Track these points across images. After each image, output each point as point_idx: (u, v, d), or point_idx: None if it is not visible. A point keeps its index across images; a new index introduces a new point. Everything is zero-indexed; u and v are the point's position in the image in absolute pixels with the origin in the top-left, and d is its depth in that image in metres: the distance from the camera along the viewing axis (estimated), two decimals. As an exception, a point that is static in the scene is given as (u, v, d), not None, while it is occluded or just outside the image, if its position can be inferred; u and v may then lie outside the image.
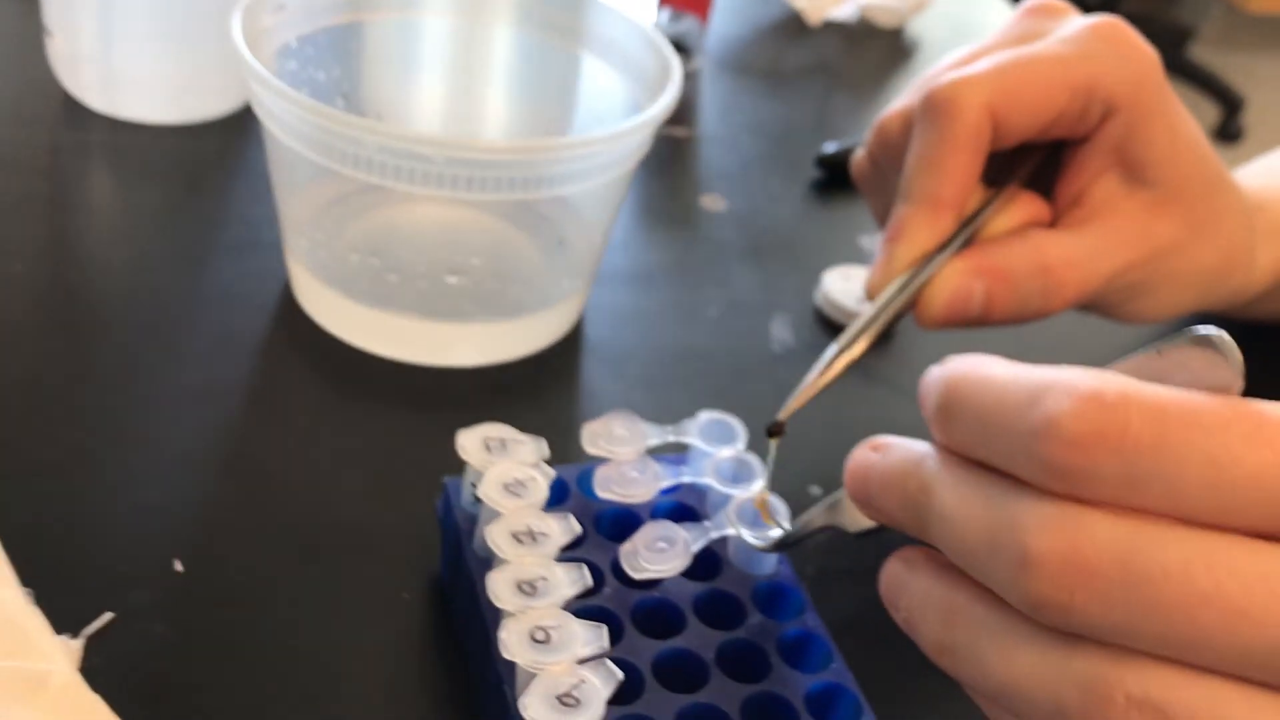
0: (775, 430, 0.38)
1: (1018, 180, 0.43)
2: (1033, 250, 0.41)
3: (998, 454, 0.24)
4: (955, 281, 0.40)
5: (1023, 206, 0.43)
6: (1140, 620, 0.21)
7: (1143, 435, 0.21)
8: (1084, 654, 0.22)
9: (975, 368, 0.25)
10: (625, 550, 0.36)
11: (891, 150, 0.43)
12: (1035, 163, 0.43)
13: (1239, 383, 0.23)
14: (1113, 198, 0.42)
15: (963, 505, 0.25)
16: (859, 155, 0.46)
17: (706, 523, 0.37)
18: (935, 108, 0.39)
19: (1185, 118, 0.43)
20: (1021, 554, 0.22)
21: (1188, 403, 0.22)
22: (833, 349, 0.40)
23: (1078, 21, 0.42)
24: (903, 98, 0.44)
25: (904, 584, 0.27)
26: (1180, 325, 0.61)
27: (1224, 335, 0.23)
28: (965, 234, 0.41)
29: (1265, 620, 0.20)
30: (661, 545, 0.36)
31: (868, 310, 0.41)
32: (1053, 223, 0.44)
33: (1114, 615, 0.21)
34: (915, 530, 0.27)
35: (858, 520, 0.31)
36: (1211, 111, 2.86)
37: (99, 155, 0.59)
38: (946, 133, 0.39)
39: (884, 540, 0.45)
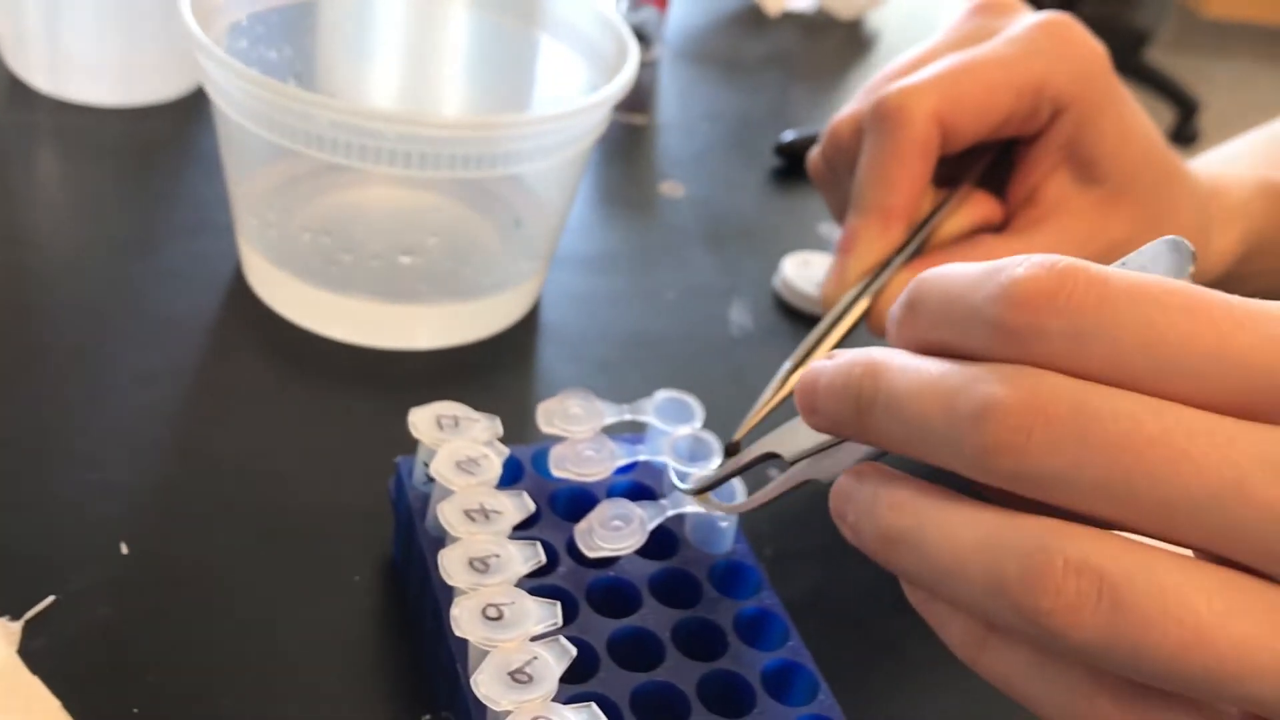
0: (731, 450, 0.38)
1: (970, 181, 0.43)
2: (983, 257, 0.41)
3: (956, 329, 0.24)
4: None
5: (975, 207, 0.43)
6: (1090, 462, 0.22)
7: (1087, 296, 0.22)
8: (1025, 523, 0.23)
9: (940, 268, 0.26)
10: (580, 529, 0.35)
11: (844, 154, 0.44)
12: (986, 163, 0.44)
13: (1190, 271, 0.24)
14: (1065, 195, 0.43)
15: (915, 378, 0.25)
16: (814, 155, 0.47)
17: (663, 501, 0.37)
18: (884, 117, 0.40)
19: (1135, 112, 0.44)
20: (981, 403, 0.23)
21: (1134, 276, 0.23)
22: (787, 365, 0.40)
23: (1025, 20, 0.42)
24: (854, 102, 0.44)
25: (851, 493, 0.27)
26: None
27: (1185, 240, 0.24)
28: (918, 239, 0.42)
29: (1205, 465, 0.21)
30: (617, 524, 0.35)
31: (822, 323, 0.41)
32: (1007, 222, 0.44)
33: (1066, 457, 0.22)
34: (860, 428, 0.27)
35: (824, 467, 0.30)
36: (1167, 114, 2.90)
37: (46, 137, 0.58)
38: (895, 142, 0.40)
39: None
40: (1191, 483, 0.21)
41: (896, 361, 0.26)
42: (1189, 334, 0.22)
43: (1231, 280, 0.52)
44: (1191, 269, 0.24)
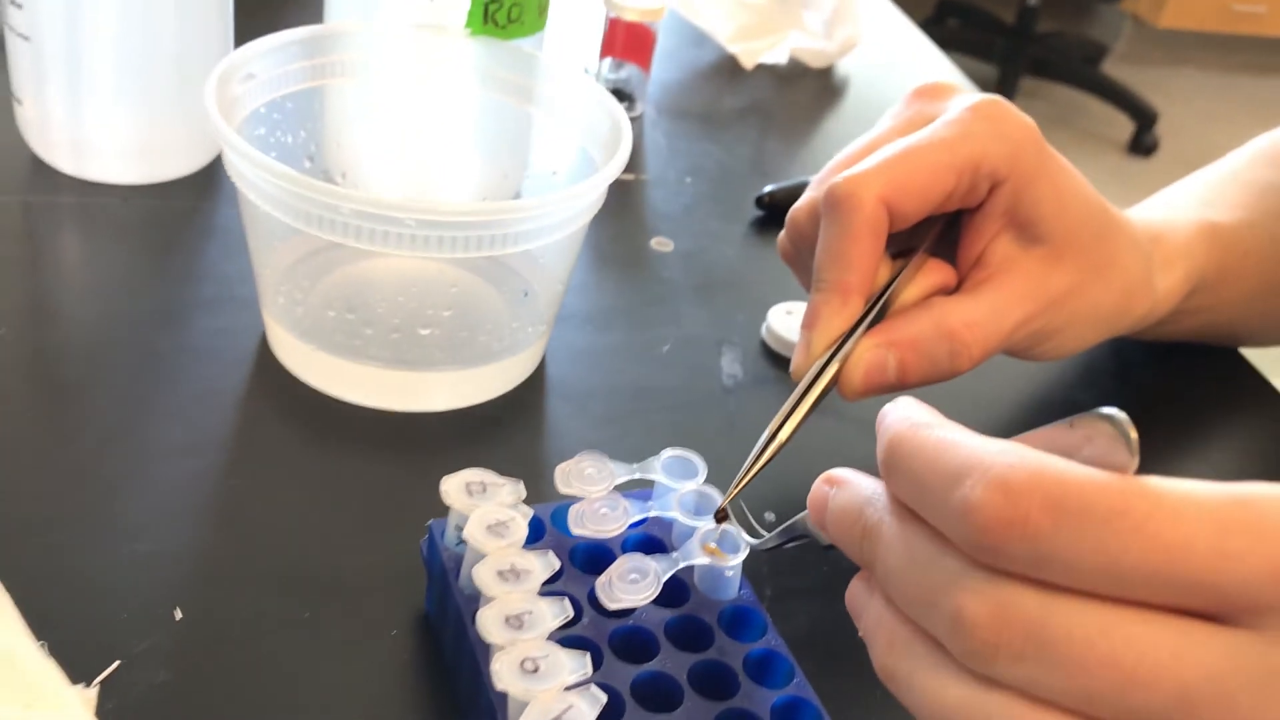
0: (720, 517, 0.42)
1: (922, 250, 0.47)
2: (937, 318, 0.45)
3: (930, 516, 0.29)
4: (869, 356, 0.44)
5: (929, 274, 0.47)
6: (1049, 675, 0.26)
7: (1042, 524, 0.26)
8: (1001, 696, 0.27)
9: (911, 429, 0.30)
10: (601, 583, 0.39)
11: (804, 238, 0.48)
12: (936, 232, 0.48)
13: (1134, 462, 0.27)
14: (1009, 257, 0.46)
15: (902, 562, 0.29)
16: (781, 239, 0.51)
17: (674, 553, 0.40)
18: (835, 204, 0.43)
19: (1070, 175, 0.47)
20: (955, 614, 0.27)
21: (1085, 491, 0.26)
22: (765, 435, 0.44)
23: (960, 103, 0.46)
24: (809, 191, 0.48)
25: (863, 604, 0.32)
26: (1091, 359, 0.65)
27: (1122, 416, 0.27)
28: (877, 307, 0.45)
29: (1153, 685, 0.25)
30: (634, 577, 0.39)
31: (795, 392, 0.45)
32: (959, 285, 0.48)
33: (1028, 669, 0.26)
34: (865, 566, 0.31)
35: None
36: (1126, 126, 2.96)
37: (71, 217, 0.61)
38: (847, 226, 0.43)
39: (844, 556, 0.49)
40: (1140, 700, 0.25)
41: (887, 534, 0.30)
42: (1140, 557, 0.25)
43: (1178, 316, 0.57)
44: (1135, 461, 0.27)
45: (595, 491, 0.41)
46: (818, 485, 0.34)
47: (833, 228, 0.44)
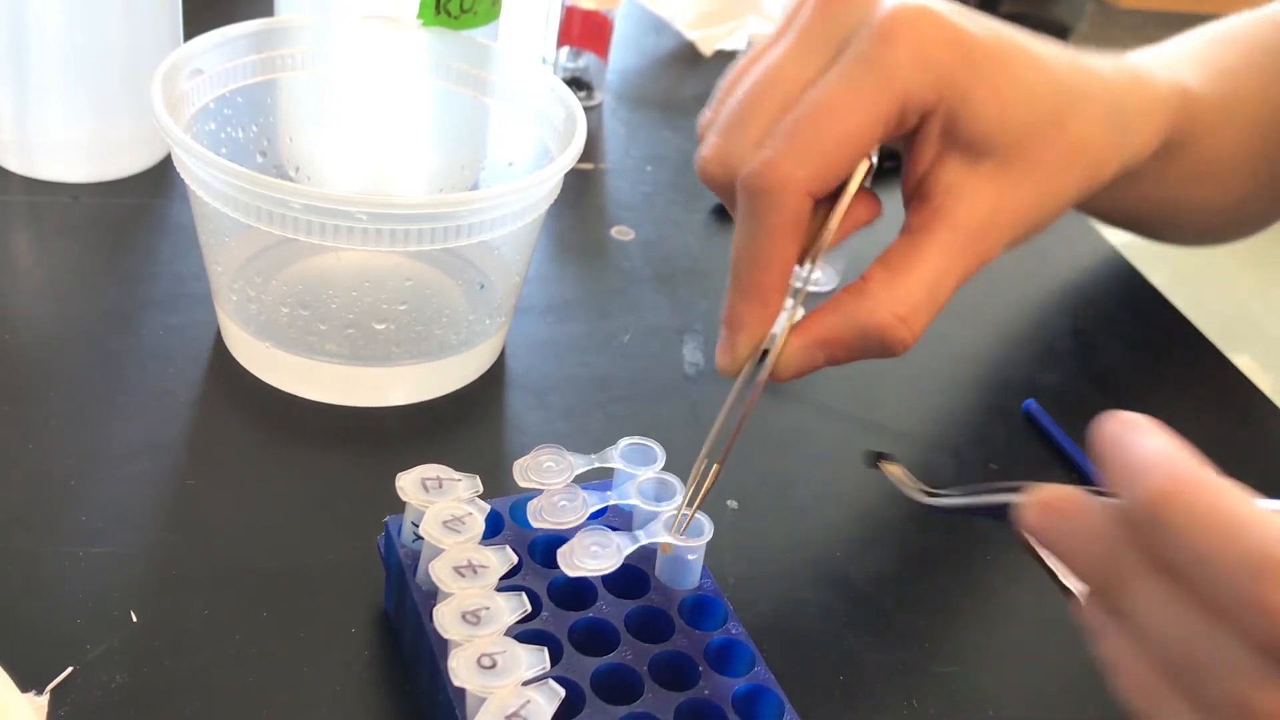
0: (876, 460, 0.43)
1: (843, 203, 0.41)
2: (867, 314, 0.40)
3: (1208, 592, 0.26)
4: (799, 357, 0.41)
5: (851, 214, 0.41)
6: None
7: None
8: None
9: (1192, 486, 0.27)
10: (562, 552, 0.39)
11: (722, 190, 0.42)
12: (864, 177, 0.41)
13: None
14: (955, 182, 0.41)
15: (1168, 626, 0.27)
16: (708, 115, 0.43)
17: (638, 532, 0.40)
18: (754, 200, 0.39)
19: (1009, 71, 0.41)
20: (1243, 704, 0.26)
21: None
22: (703, 454, 0.41)
23: (871, 25, 0.39)
24: (713, 134, 0.41)
25: (1106, 634, 0.30)
26: (1052, 340, 0.66)
27: None
28: (803, 292, 0.41)
29: None
30: (595, 549, 0.39)
31: (730, 398, 0.42)
32: (907, 214, 0.42)
33: None
34: (1109, 606, 0.30)
35: None
36: (1092, 105, 2.97)
37: (20, 217, 0.60)
38: (767, 225, 0.39)
39: (801, 541, 0.49)
40: None
41: (1148, 591, 0.28)
42: None
43: (1145, 180, 0.52)
44: None
45: (553, 484, 0.41)
46: (1047, 496, 0.31)
47: (751, 225, 0.39)
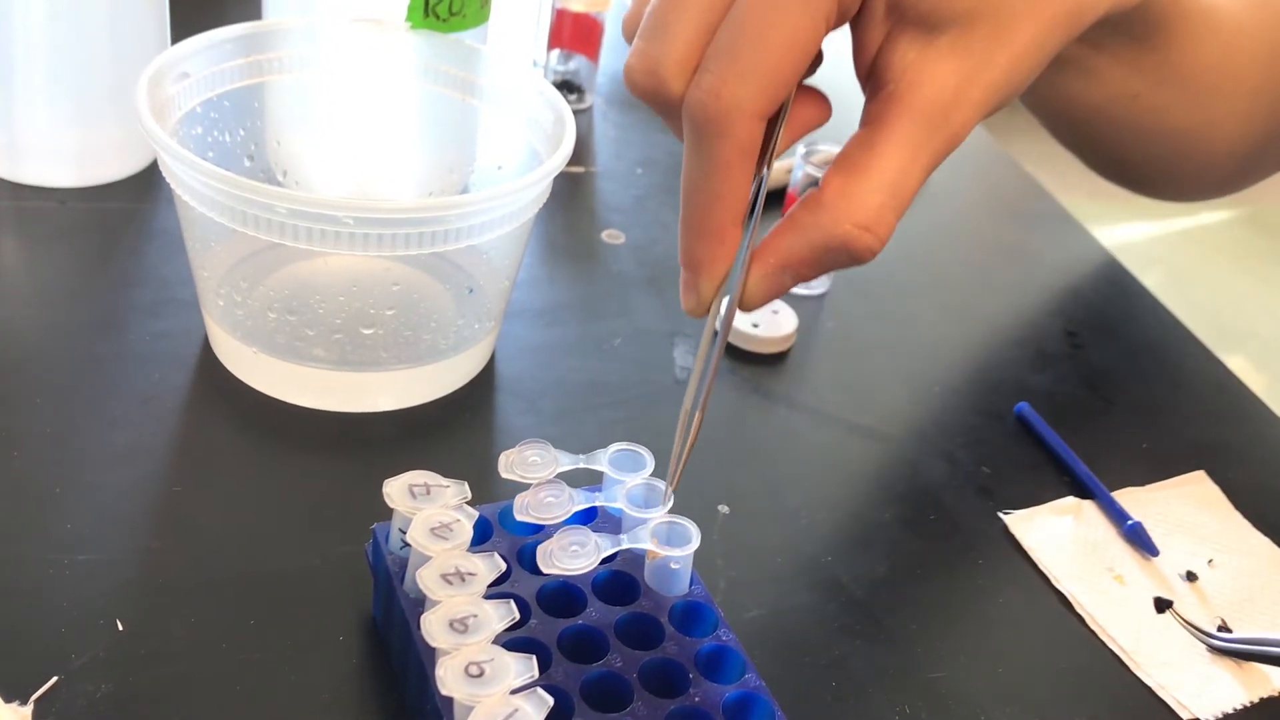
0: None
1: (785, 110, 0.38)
2: (827, 228, 0.37)
3: None
4: (764, 285, 0.38)
5: (796, 111, 0.38)
6: None
7: None
8: None
9: None
10: (542, 550, 0.38)
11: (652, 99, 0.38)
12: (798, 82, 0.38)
13: None
14: (910, 63, 0.37)
15: None
16: (631, 11, 0.39)
17: (621, 535, 0.40)
18: (702, 129, 0.35)
19: None
20: None
21: None
22: (687, 406, 0.40)
23: None
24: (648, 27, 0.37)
25: None
26: (1041, 341, 0.65)
27: None
28: (757, 214, 0.38)
29: None
30: (574, 548, 0.39)
31: (703, 340, 0.40)
32: (865, 101, 0.39)
33: None
34: None
35: None
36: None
37: (6, 222, 0.60)
38: (719, 156, 0.36)
39: (792, 546, 0.49)
40: None
41: None
42: None
43: (1117, 66, 0.50)
44: None
45: (538, 478, 0.41)
46: None
47: (700, 158, 0.36)
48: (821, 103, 0.39)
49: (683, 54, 0.35)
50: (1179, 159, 0.60)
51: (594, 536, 0.39)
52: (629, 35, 0.38)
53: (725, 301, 0.39)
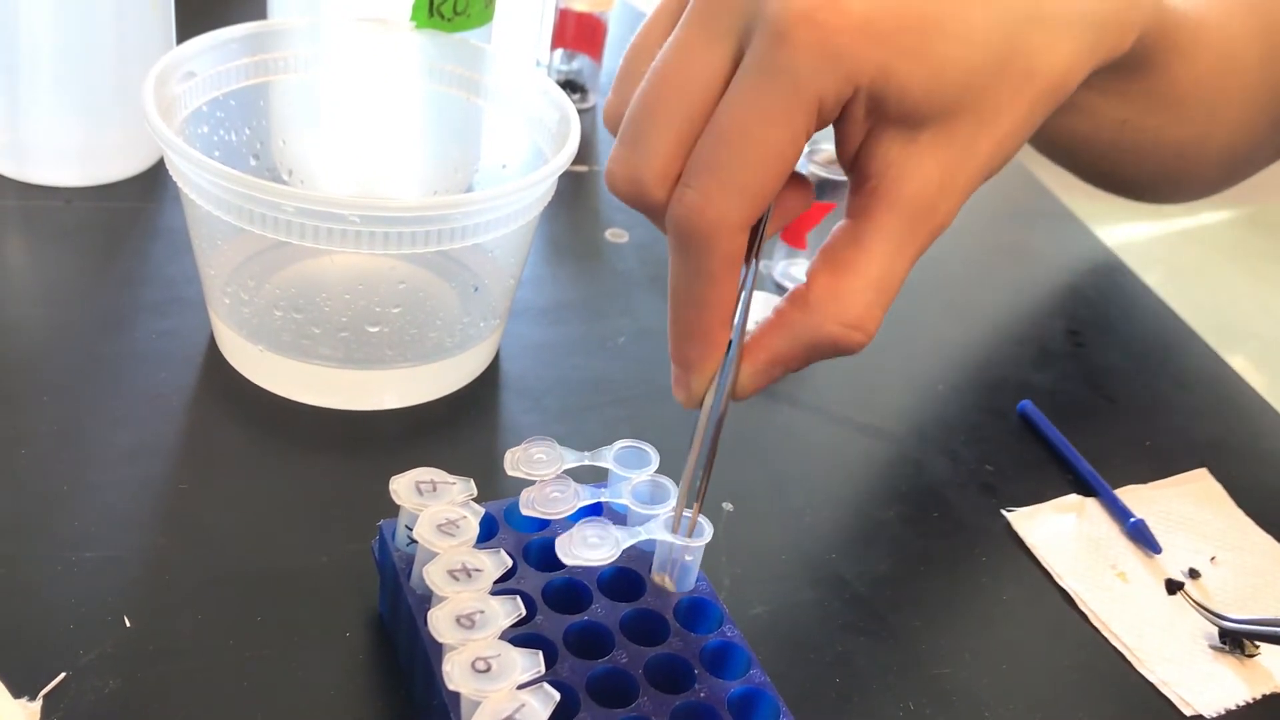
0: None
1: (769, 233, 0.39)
2: (814, 329, 0.38)
3: None
4: (755, 379, 0.39)
5: (780, 208, 0.38)
6: None
7: None
8: None
9: None
10: (561, 541, 0.39)
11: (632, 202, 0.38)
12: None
13: None
14: (893, 160, 0.37)
15: None
16: (612, 102, 0.39)
17: (637, 528, 0.40)
18: (688, 242, 0.35)
19: (933, 30, 0.35)
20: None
21: None
22: (677, 500, 0.40)
23: (761, 28, 0.34)
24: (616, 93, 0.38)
25: None
26: (1043, 340, 0.65)
27: None
28: (746, 313, 0.39)
29: None
30: (594, 541, 0.39)
31: (696, 437, 0.39)
32: (850, 197, 0.39)
33: None
34: None
35: None
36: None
37: (12, 221, 0.60)
38: (705, 268, 0.36)
39: (796, 543, 0.49)
40: None
41: None
42: None
43: (1109, 99, 0.51)
44: None
45: (543, 475, 0.41)
46: None
47: (686, 269, 0.36)
48: (803, 188, 0.39)
49: (663, 166, 0.35)
50: (1174, 170, 0.60)
51: (614, 530, 0.39)
52: (611, 127, 0.38)
53: (716, 389, 0.39)
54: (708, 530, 0.40)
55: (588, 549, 0.38)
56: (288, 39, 0.55)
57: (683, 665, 0.38)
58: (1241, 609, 0.50)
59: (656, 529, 0.40)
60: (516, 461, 0.41)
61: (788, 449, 0.55)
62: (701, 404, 0.39)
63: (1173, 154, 0.58)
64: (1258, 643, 0.47)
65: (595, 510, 0.43)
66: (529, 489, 0.40)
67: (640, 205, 0.37)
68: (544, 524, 0.41)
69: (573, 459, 0.42)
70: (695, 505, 0.40)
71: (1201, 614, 0.49)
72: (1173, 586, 0.50)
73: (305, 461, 0.49)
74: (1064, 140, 0.59)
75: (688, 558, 0.41)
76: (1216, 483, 0.56)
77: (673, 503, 0.41)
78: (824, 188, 0.63)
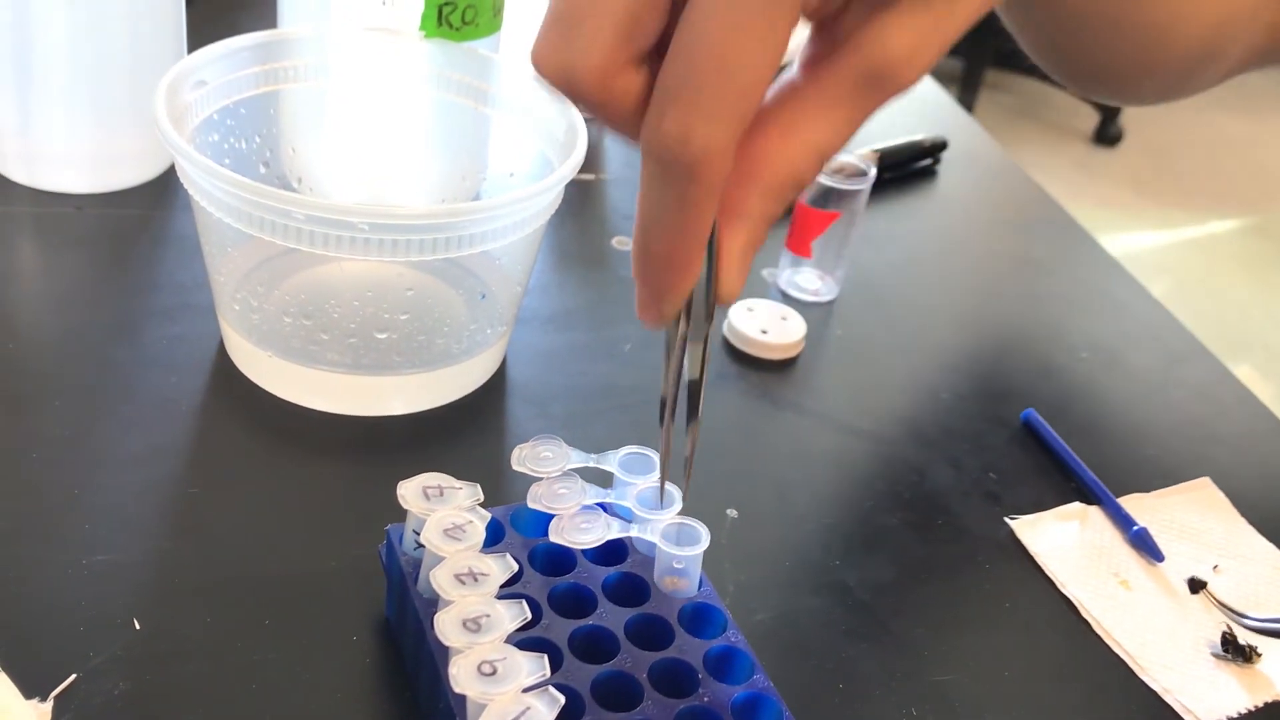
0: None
1: None
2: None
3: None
4: (743, 264, 0.35)
5: None
6: None
7: None
8: None
9: None
10: (554, 524, 0.40)
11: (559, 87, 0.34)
12: None
13: None
14: (863, 27, 0.33)
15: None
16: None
17: (631, 524, 0.41)
18: (667, 174, 0.32)
19: None
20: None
21: None
22: (679, 417, 0.38)
23: None
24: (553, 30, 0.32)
25: None
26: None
27: None
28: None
29: None
30: (585, 526, 0.40)
31: (672, 368, 0.38)
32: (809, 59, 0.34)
33: None
34: None
35: None
36: (1091, 116, 2.98)
37: (24, 228, 0.60)
38: (688, 198, 0.32)
39: (800, 549, 0.49)
40: None
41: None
42: None
43: None
44: None
45: (549, 472, 0.42)
46: None
47: (668, 197, 0.32)
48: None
49: (601, 62, 0.31)
50: (1143, 56, 0.58)
51: (605, 516, 0.40)
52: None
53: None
54: (704, 538, 0.41)
55: (580, 533, 0.40)
56: (298, 48, 0.55)
57: (687, 670, 0.39)
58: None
59: (650, 526, 0.41)
60: (523, 458, 0.42)
61: (792, 456, 0.55)
62: (674, 323, 0.36)
63: (1143, 37, 0.56)
64: (1260, 650, 0.47)
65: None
66: (537, 484, 0.41)
67: (570, 95, 0.32)
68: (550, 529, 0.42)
69: (579, 459, 0.42)
70: (686, 470, 0.38)
71: (1224, 613, 0.49)
72: (1195, 586, 0.51)
73: (313, 466, 0.49)
74: (1036, 14, 0.56)
75: (676, 565, 0.41)
76: (1220, 492, 0.56)
77: (676, 508, 0.42)
78: (828, 196, 0.63)
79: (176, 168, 0.48)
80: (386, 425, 0.52)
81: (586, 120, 0.51)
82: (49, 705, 0.37)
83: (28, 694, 0.38)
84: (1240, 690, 0.46)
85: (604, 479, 0.42)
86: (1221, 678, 0.47)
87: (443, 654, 0.37)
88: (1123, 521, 0.53)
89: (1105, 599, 0.49)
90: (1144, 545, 0.52)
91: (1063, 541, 0.52)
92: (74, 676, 0.39)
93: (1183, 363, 0.67)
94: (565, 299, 0.62)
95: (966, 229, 0.77)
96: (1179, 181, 2.86)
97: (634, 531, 0.41)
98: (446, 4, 0.57)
